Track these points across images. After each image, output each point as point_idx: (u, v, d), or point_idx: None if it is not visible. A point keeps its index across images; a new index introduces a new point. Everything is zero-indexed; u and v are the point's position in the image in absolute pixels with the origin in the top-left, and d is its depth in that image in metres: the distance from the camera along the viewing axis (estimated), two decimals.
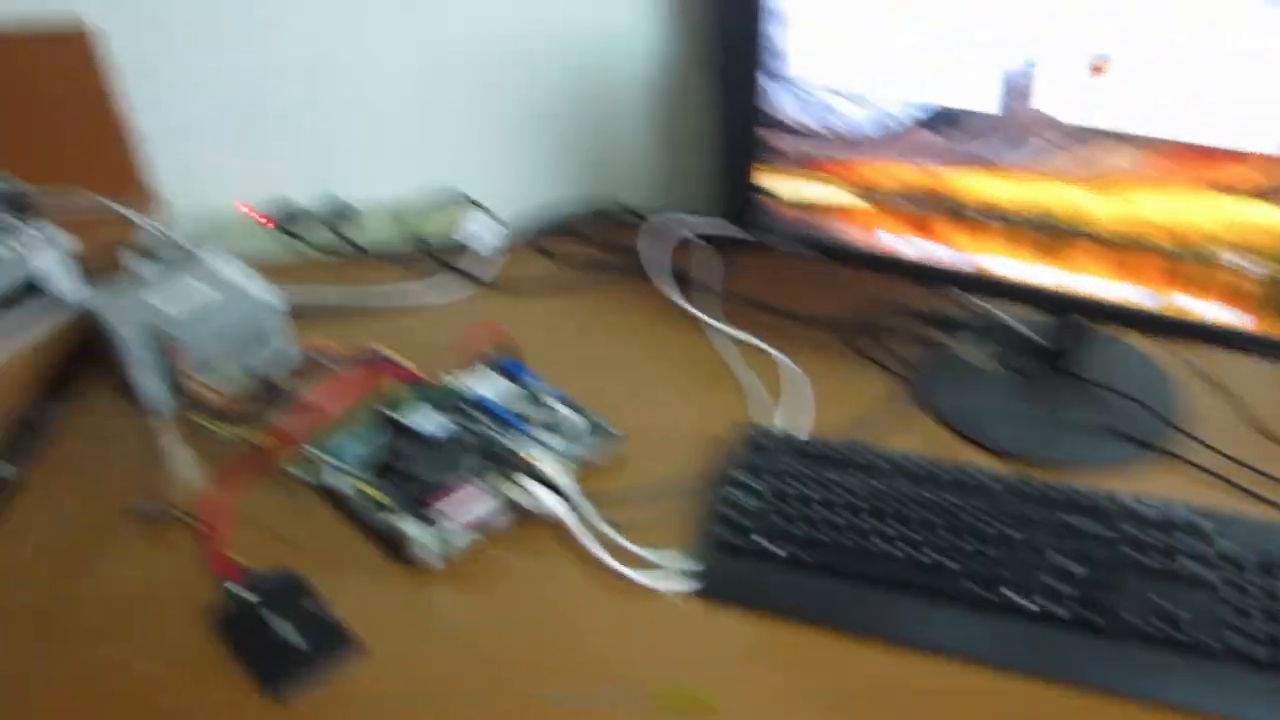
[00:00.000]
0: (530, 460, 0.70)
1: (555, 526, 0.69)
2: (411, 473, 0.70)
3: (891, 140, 0.75)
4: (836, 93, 0.75)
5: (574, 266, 1.02)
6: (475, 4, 0.99)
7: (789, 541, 0.67)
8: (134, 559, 0.70)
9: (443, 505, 0.67)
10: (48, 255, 0.85)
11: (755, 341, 0.89)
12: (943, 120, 0.73)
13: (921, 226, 0.77)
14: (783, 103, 0.78)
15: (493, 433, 0.74)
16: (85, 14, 0.96)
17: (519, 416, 0.76)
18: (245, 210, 1.05)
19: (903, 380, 0.84)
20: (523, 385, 0.81)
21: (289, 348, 0.88)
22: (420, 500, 0.68)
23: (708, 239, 1.01)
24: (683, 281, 0.96)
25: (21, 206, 0.83)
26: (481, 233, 1.03)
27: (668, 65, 1.03)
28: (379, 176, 1.07)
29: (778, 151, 0.80)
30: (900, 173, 0.76)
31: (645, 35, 1.01)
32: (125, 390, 0.84)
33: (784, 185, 0.82)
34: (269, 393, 0.79)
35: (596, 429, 0.76)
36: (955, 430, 0.79)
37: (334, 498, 0.72)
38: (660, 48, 1.02)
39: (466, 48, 1.01)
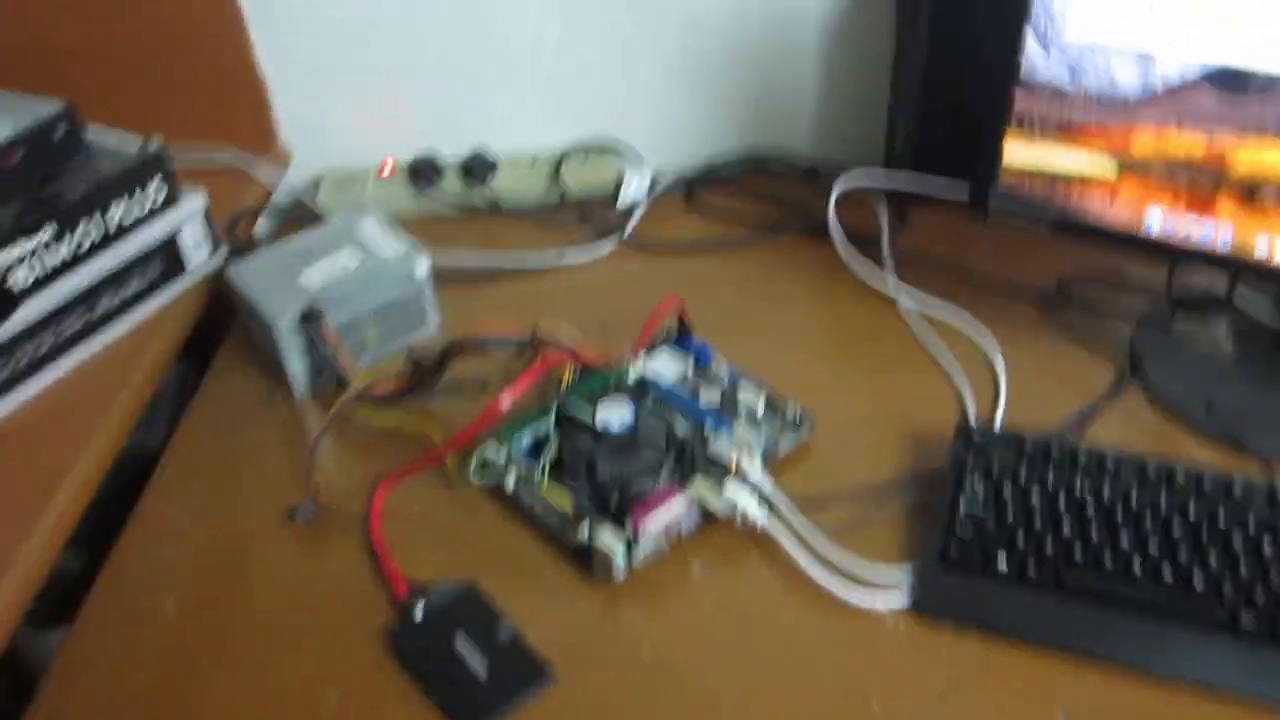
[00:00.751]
0: (729, 459, 0.63)
1: (749, 532, 0.62)
2: (598, 474, 0.63)
3: (1169, 105, 0.64)
4: (1108, 51, 0.65)
5: (733, 223, 0.92)
6: None
7: (1013, 553, 0.59)
8: (290, 564, 0.64)
9: (638, 514, 0.60)
10: (180, 216, 0.79)
11: (944, 311, 0.79)
12: (1232, 81, 0.62)
13: (1199, 203, 0.67)
14: (1042, 62, 0.68)
15: (683, 426, 0.67)
16: None
17: (709, 407, 0.69)
18: (383, 165, 0.97)
19: (1117, 362, 0.75)
20: (704, 366, 0.73)
21: (437, 320, 0.81)
22: (612, 507, 0.61)
23: (884, 195, 0.91)
24: (855, 240, 0.87)
25: (153, 165, 0.76)
26: (632, 186, 0.94)
27: (847, 8, 0.92)
28: (522, 127, 0.99)
29: (1030, 115, 0.70)
30: (1177, 141, 0.65)
31: None
32: (263, 364, 0.78)
33: (1027, 152, 0.72)
34: (423, 373, 0.72)
35: (786, 417, 0.69)
36: (1184, 421, 0.69)
37: (511, 502, 0.65)
38: None
39: None
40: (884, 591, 0.59)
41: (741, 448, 0.64)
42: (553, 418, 0.67)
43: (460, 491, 0.67)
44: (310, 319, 0.73)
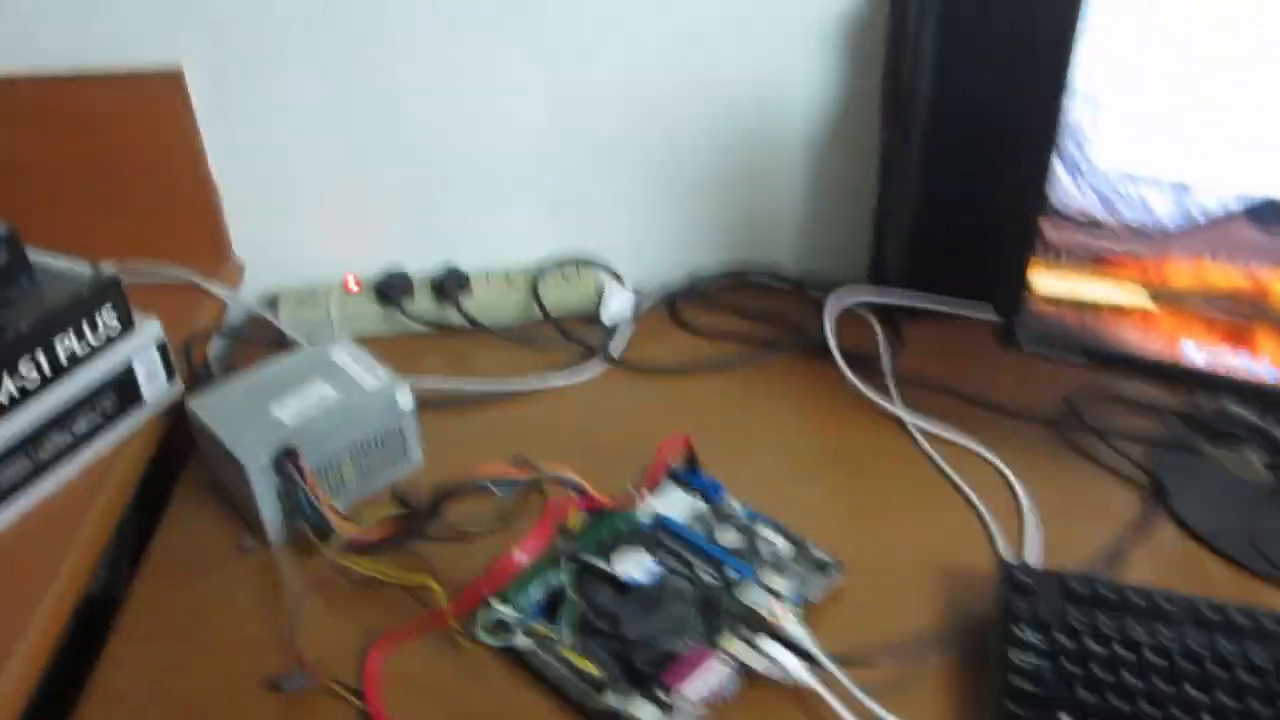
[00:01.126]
0: (767, 615, 0.58)
1: (791, 692, 0.57)
2: (624, 635, 0.58)
3: (1207, 236, 0.63)
4: (1141, 181, 0.63)
5: (723, 340, 0.89)
6: (609, 51, 0.86)
7: (1076, 711, 0.56)
8: None
9: (675, 681, 0.54)
10: (134, 346, 0.72)
11: (954, 434, 0.76)
12: (1274, 214, 0.62)
13: (1238, 335, 0.65)
14: (1072, 190, 0.66)
15: (709, 576, 0.62)
16: (161, 60, 0.83)
17: (734, 553, 0.64)
18: (350, 282, 0.91)
19: (1139, 486, 0.72)
20: (715, 503, 0.68)
21: (419, 453, 0.75)
22: (646, 675, 0.56)
23: (874, 311, 0.89)
24: (851, 358, 0.84)
25: (106, 292, 0.69)
26: (615, 303, 0.90)
27: (833, 121, 0.90)
28: (495, 240, 0.95)
29: (1059, 245, 0.68)
30: (1216, 273, 0.64)
31: (806, 89, 0.89)
32: (228, 503, 0.71)
33: (1056, 282, 0.70)
34: (413, 517, 0.66)
35: (813, 559, 0.64)
36: (1222, 552, 0.67)
37: (525, 664, 0.59)
38: (827, 99, 0.89)
39: (598, 97, 0.88)
40: None
41: (770, 597, 0.59)
42: (565, 570, 0.61)
43: (467, 653, 0.60)
44: (286, 460, 0.66)
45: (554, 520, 0.60)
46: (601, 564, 0.60)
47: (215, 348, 0.89)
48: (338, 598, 0.64)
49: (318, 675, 0.58)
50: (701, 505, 0.68)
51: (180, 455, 0.76)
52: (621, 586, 0.60)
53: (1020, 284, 0.70)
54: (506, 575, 0.58)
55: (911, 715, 0.56)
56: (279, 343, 0.87)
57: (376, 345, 0.83)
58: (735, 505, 0.68)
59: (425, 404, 0.78)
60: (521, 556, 0.57)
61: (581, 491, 0.65)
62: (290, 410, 0.69)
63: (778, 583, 0.61)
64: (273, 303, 0.91)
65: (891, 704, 0.56)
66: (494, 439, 0.78)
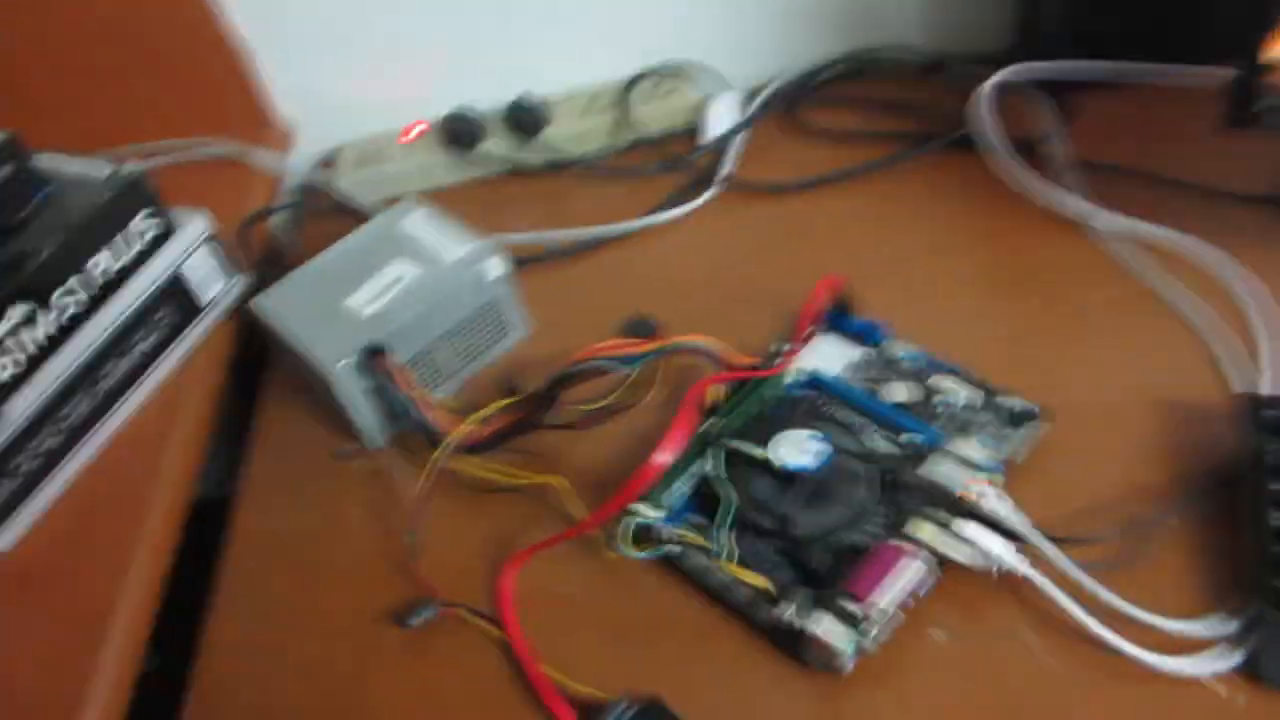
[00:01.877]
0: (962, 491, 0.48)
1: (1000, 581, 0.47)
2: (793, 534, 0.49)
3: None
4: None
5: (850, 143, 0.75)
6: None
7: None
8: (409, 680, 0.50)
9: (864, 587, 0.46)
10: (180, 248, 0.62)
11: (1155, 233, 0.63)
12: None
13: None
14: None
15: (880, 442, 0.52)
16: None
17: (909, 412, 0.53)
18: (407, 129, 0.80)
19: None
20: (883, 354, 0.57)
21: (522, 326, 0.65)
22: (820, 574, 0.47)
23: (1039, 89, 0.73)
24: (1017, 150, 0.69)
25: (134, 193, 0.59)
26: (719, 113, 0.77)
27: None
28: (569, 61, 0.81)
29: None
30: None
31: None
32: (319, 407, 0.63)
33: None
34: (528, 408, 0.57)
35: (1006, 410, 0.53)
36: None
37: (683, 575, 0.51)
38: None
39: None
40: (1202, 653, 0.45)
41: (968, 467, 0.49)
42: (713, 460, 0.52)
43: (612, 564, 0.52)
44: (372, 360, 0.57)
45: (693, 405, 0.50)
46: (755, 450, 0.51)
47: (275, 228, 0.79)
48: (456, 506, 0.57)
49: (445, 602, 0.51)
50: (860, 354, 0.57)
51: (265, 353, 0.68)
52: (782, 473, 0.50)
53: (1259, 44, 0.54)
54: (648, 482, 0.49)
55: (1149, 599, 0.46)
56: (346, 211, 0.77)
57: (452, 199, 0.74)
58: (902, 350, 0.57)
59: (518, 262, 0.67)
60: (664, 457, 0.48)
61: (718, 360, 0.55)
62: (366, 299, 0.60)
63: (969, 447, 0.50)
64: (331, 166, 0.81)
65: (1122, 586, 0.46)
66: (602, 293, 0.67)
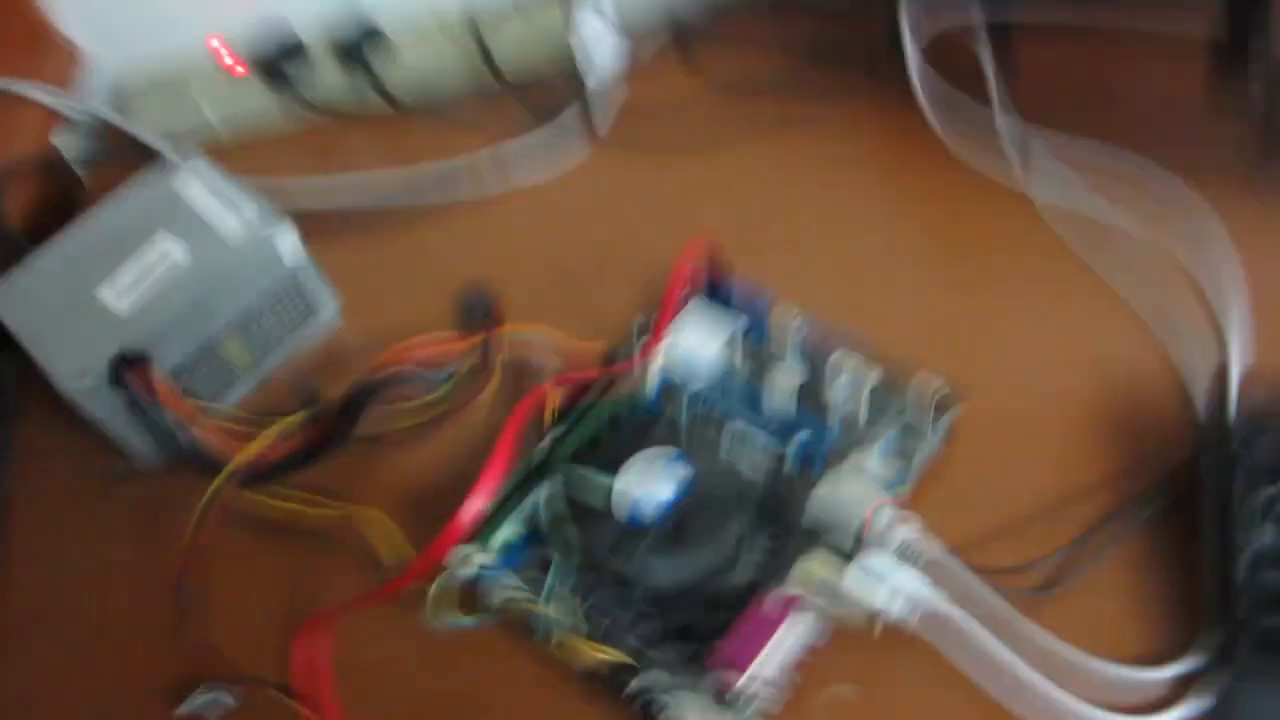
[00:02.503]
0: (859, 518, 0.38)
1: (915, 623, 0.38)
2: (647, 585, 0.38)
3: None
4: None
5: (759, 91, 0.61)
6: None
7: None
8: None
9: (735, 660, 0.36)
10: None
11: (1106, 201, 0.51)
12: None
13: None
14: None
15: (769, 454, 0.41)
16: None
17: (784, 408, 0.43)
18: (220, 55, 0.65)
19: None
20: (757, 330, 0.47)
21: (334, 304, 0.53)
22: (697, 635, 0.37)
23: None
24: (950, 104, 0.57)
25: None
26: (600, 47, 0.63)
27: None
28: None
29: None
30: None
31: None
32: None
33: None
34: (327, 426, 0.45)
35: (918, 399, 0.43)
36: None
37: (515, 634, 0.41)
38: None
39: None
40: (1159, 713, 0.36)
41: (868, 483, 0.39)
42: (549, 498, 0.41)
43: (434, 620, 0.41)
44: (126, 372, 0.45)
45: (519, 427, 0.39)
46: (594, 490, 0.40)
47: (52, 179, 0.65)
48: (246, 548, 0.45)
49: (228, 682, 0.41)
50: (739, 329, 0.46)
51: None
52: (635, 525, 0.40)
53: None
54: (459, 537, 0.38)
55: (1091, 638, 0.37)
56: (145, 157, 0.63)
57: (268, 146, 0.63)
58: (790, 319, 0.46)
59: (336, 227, 0.56)
60: (478, 504, 0.37)
61: (559, 354, 0.44)
62: (124, 287, 0.48)
63: (869, 457, 0.40)
64: (124, 98, 0.67)
65: (1059, 622, 0.37)
66: (442, 265, 0.55)
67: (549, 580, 0.38)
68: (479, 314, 0.50)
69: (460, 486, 0.43)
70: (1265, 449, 0.38)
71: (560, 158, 0.59)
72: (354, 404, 0.44)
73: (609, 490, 0.39)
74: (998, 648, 0.37)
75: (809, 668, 0.38)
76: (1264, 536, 0.37)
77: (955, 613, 0.37)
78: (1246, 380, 0.42)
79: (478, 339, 0.43)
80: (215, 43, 0.65)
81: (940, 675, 0.37)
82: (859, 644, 0.38)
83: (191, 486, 0.47)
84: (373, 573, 0.43)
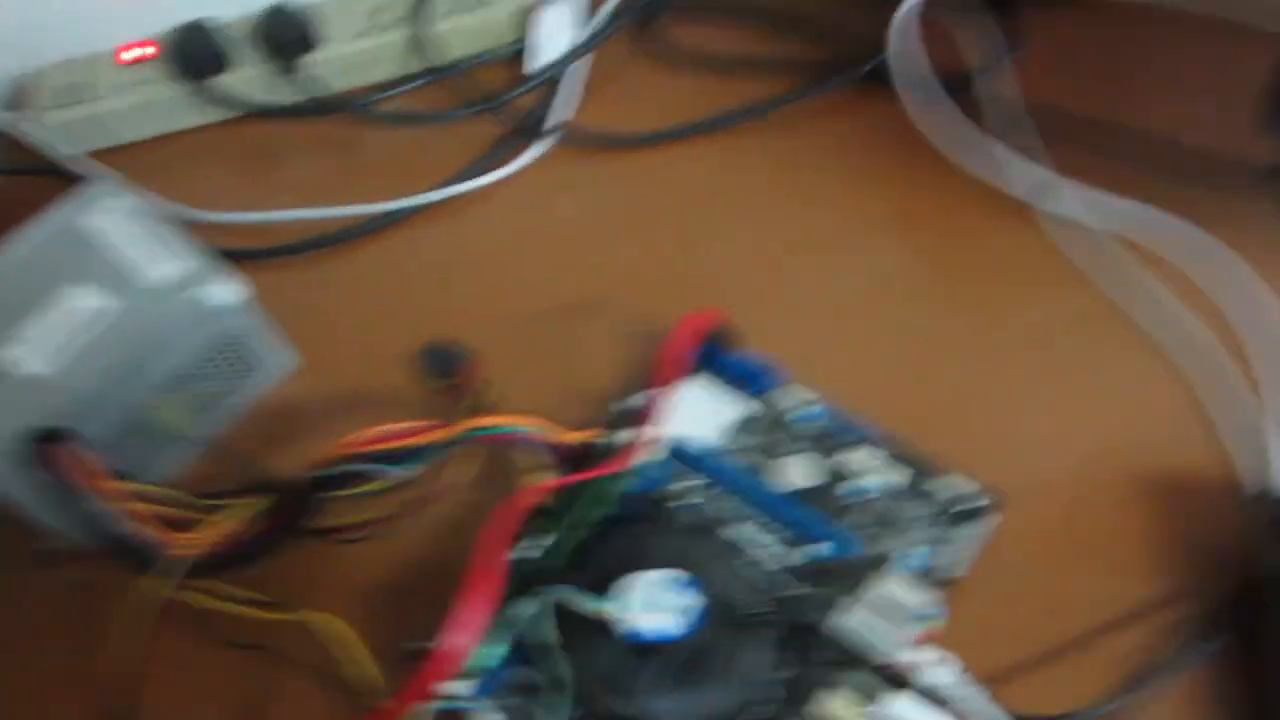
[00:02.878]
0: (897, 665, 0.34)
1: None
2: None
3: None
4: None
5: (727, 76, 0.56)
6: None
7: None
8: None
9: None
10: None
11: (1137, 215, 0.47)
12: None
13: None
14: None
15: (781, 563, 0.37)
16: None
17: (798, 501, 0.39)
18: (132, 50, 0.58)
19: None
20: (773, 407, 0.42)
21: (284, 356, 0.47)
22: None
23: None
24: (951, 92, 0.52)
25: None
26: (550, 35, 0.57)
27: None
28: None
29: None
30: None
31: None
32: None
33: None
34: (283, 513, 0.40)
35: (948, 506, 0.39)
36: None
37: None
38: None
39: None
40: None
41: (896, 613, 0.35)
42: (537, 620, 0.36)
43: None
44: (47, 451, 0.39)
45: (497, 549, 0.34)
46: (593, 607, 0.35)
47: None
48: (187, 652, 0.40)
49: None
50: (744, 411, 0.42)
51: None
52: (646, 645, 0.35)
53: None
54: (435, 679, 0.33)
55: None
56: (45, 169, 0.56)
57: (185, 149, 0.57)
58: (797, 404, 0.42)
59: (274, 251, 0.50)
60: (458, 641, 0.32)
61: (542, 446, 0.38)
62: (32, 346, 0.41)
63: (898, 586, 0.36)
64: (21, 99, 0.59)
65: None
66: (393, 293, 0.50)
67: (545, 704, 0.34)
68: (447, 368, 0.45)
69: (431, 586, 0.39)
70: None
71: (515, 156, 0.54)
72: (308, 496, 0.39)
73: (604, 617, 0.34)
74: None
75: None
76: None
77: None
78: None
79: (458, 428, 0.37)
80: (125, 39, 0.58)
81: None
82: None
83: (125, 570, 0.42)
84: (333, 688, 0.38)
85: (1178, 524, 0.39)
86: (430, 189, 0.52)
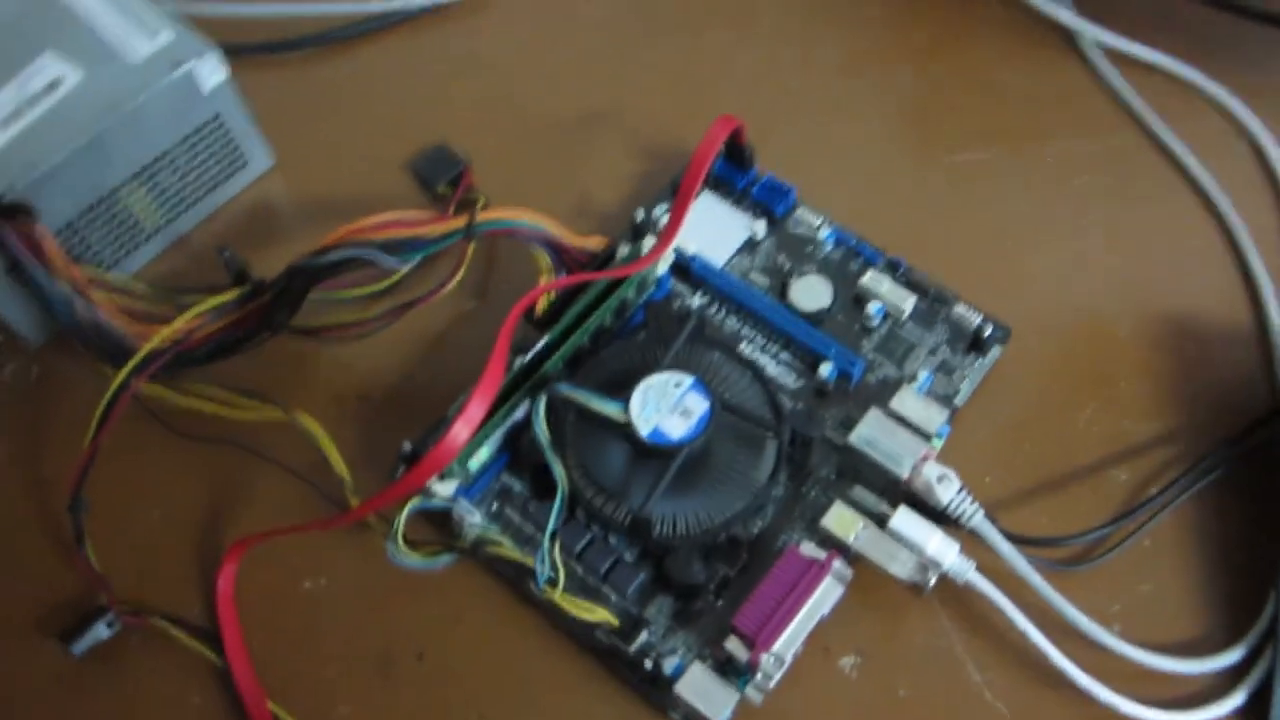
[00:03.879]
0: (915, 480, 0.33)
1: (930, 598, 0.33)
2: (652, 535, 0.33)
3: None
4: None
5: None
6: None
7: None
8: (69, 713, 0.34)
9: (764, 638, 0.30)
10: None
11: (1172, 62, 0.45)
12: None
13: None
14: None
15: (791, 375, 0.35)
16: None
17: (807, 320, 0.37)
18: None
19: None
20: (789, 229, 0.40)
21: (264, 150, 0.44)
22: (699, 591, 0.32)
23: None
24: None
25: None
26: None
27: None
28: None
29: None
30: None
31: None
32: None
33: None
34: (263, 305, 0.37)
35: (967, 331, 0.37)
36: None
37: (485, 572, 0.35)
38: None
39: None
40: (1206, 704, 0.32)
41: (909, 430, 0.34)
42: (537, 424, 0.34)
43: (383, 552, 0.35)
44: (6, 229, 0.36)
45: (509, 343, 0.32)
46: (605, 407, 0.33)
47: None
48: (151, 455, 0.38)
49: (129, 609, 0.34)
50: (758, 229, 0.40)
51: None
52: (645, 443, 0.33)
53: None
54: (439, 467, 0.31)
55: (1135, 620, 0.33)
56: None
57: None
58: (820, 226, 0.40)
59: (266, 48, 0.46)
60: (464, 431, 0.30)
61: (556, 248, 0.36)
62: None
63: (909, 401, 0.35)
64: None
65: (1095, 599, 0.33)
66: (390, 97, 0.47)
67: (550, 524, 0.32)
68: (445, 174, 0.42)
69: (413, 393, 0.37)
70: None
71: None
72: (294, 288, 0.36)
73: (610, 417, 0.33)
74: (1030, 630, 0.32)
75: (816, 634, 0.33)
76: None
77: (986, 586, 0.32)
78: None
79: (460, 221, 0.35)
80: None
81: (956, 651, 0.33)
82: (868, 603, 0.33)
83: (82, 367, 0.40)
84: (305, 485, 0.36)
85: (1191, 366, 0.38)
86: None
